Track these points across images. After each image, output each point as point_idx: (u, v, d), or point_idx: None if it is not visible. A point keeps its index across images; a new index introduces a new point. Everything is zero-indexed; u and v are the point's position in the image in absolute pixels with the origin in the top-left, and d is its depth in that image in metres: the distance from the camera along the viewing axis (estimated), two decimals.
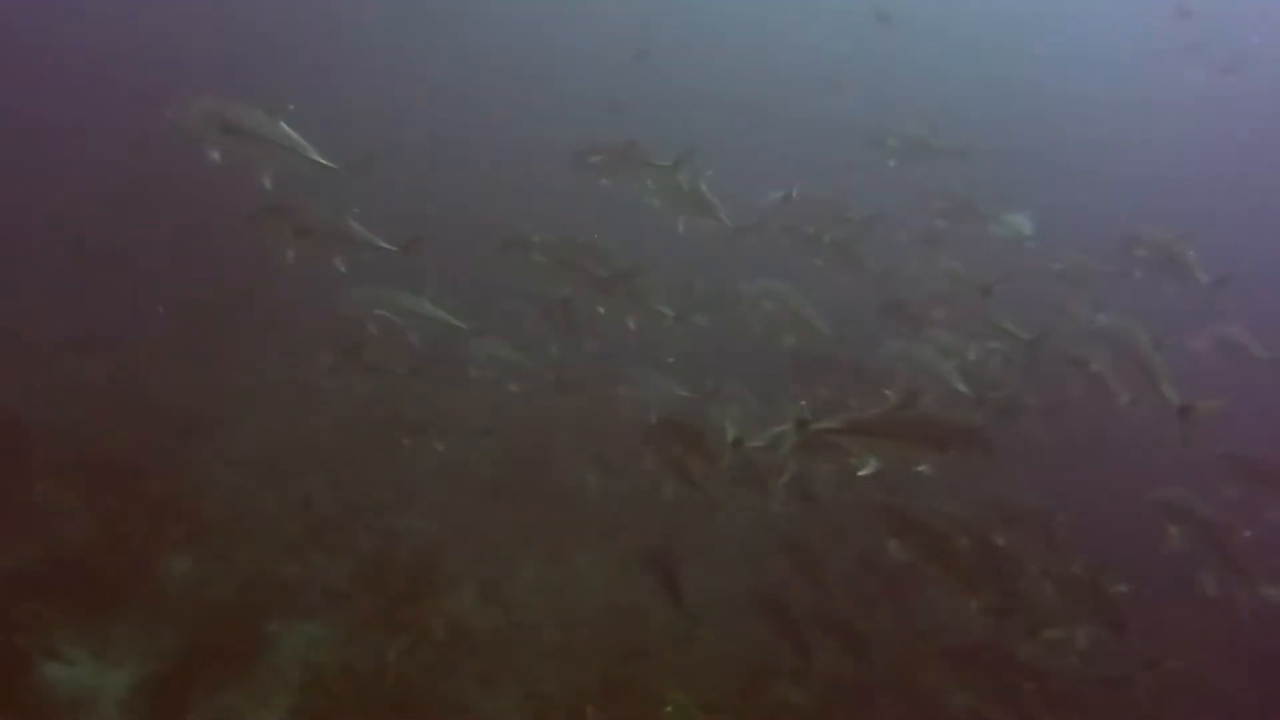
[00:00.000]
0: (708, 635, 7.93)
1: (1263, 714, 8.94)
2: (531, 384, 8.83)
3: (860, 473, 5.66)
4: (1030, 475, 8.98)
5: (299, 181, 7.14)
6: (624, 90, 15.97)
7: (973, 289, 8.74)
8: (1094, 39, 26.41)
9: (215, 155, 6.77)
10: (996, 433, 6.76)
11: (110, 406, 9.63)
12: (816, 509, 7.51)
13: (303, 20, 20.80)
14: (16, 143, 13.76)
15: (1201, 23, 19.26)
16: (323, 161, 7.03)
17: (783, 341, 8.23)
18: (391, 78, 19.32)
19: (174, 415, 9.83)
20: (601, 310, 8.21)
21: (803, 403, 5.67)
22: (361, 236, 7.58)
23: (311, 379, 10.72)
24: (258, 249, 11.92)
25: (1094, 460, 10.72)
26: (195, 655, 6.79)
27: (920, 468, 5.80)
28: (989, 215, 10.03)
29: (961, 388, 7.60)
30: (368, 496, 9.30)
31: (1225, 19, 21.34)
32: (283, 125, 6.93)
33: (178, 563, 7.79)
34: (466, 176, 16.05)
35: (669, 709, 6.90)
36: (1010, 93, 22.96)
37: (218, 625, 7.16)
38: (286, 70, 17.89)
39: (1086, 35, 26.58)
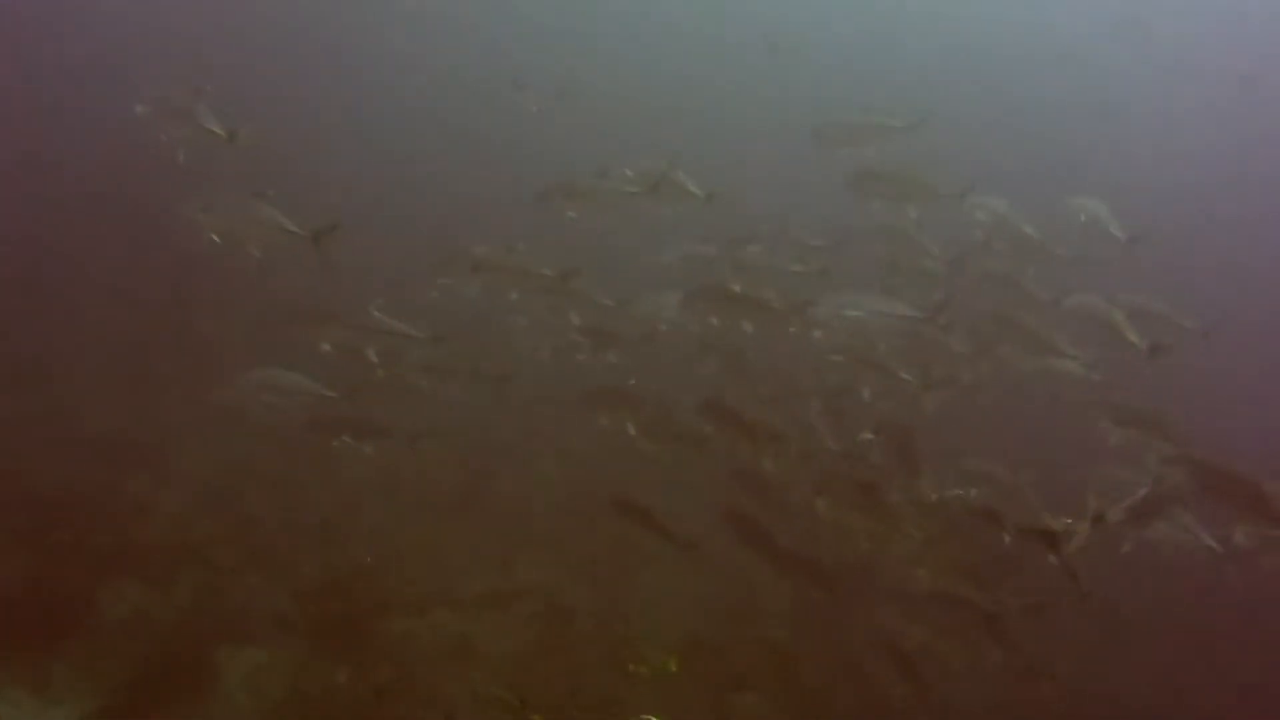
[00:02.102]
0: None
1: None
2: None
3: None
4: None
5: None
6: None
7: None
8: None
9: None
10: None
11: (40, 439, 9.41)
12: None
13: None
14: None
15: None
16: (291, 229, 7.09)
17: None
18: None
19: (105, 444, 9.64)
20: None
21: None
22: (272, 219, 7.48)
23: (242, 398, 10.58)
24: (179, 270, 11.93)
25: None
26: (140, 688, 6.78)
27: None
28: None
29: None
30: (308, 515, 9.25)
31: None
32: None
33: (118, 594, 7.70)
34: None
35: None
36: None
37: (161, 656, 7.14)
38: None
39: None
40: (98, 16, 17.48)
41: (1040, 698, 7.89)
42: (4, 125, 14.26)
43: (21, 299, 11.87)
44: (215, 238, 7.42)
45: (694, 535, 7.83)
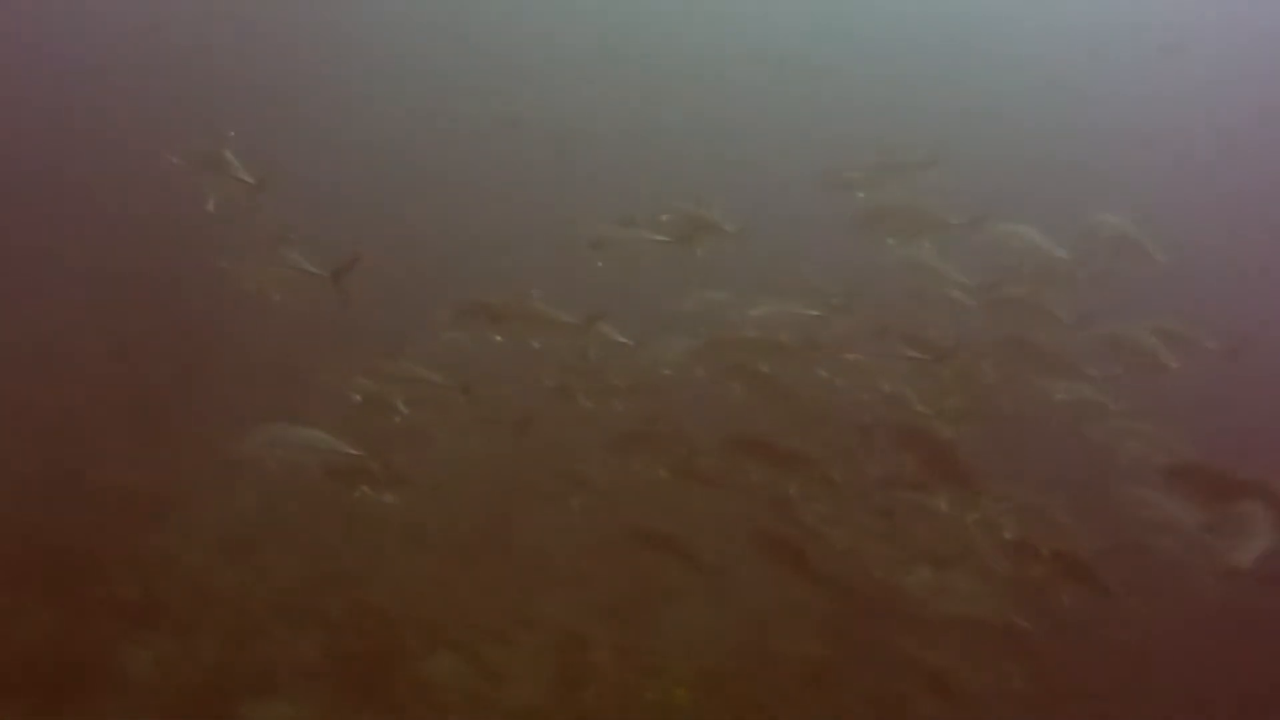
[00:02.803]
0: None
1: None
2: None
3: None
4: None
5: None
6: None
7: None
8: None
9: None
10: None
11: (60, 497, 9.43)
12: None
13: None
14: None
15: None
16: (311, 270, 7.18)
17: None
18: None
19: (126, 499, 9.63)
20: None
21: None
22: (293, 262, 7.57)
23: (261, 450, 10.59)
24: (200, 322, 12.05)
25: None
26: None
27: None
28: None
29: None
30: (330, 565, 9.24)
31: None
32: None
33: (141, 651, 7.65)
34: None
35: None
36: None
37: (186, 711, 7.08)
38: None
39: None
40: (123, 66, 17.71)
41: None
42: (21, 189, 14.50)
43: (42, 354, 12.00)
44: (240, 280, 7.51)
45: (720, 563, 7.80)
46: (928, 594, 8.47)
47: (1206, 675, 9.18)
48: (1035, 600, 8.13)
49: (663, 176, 14.07)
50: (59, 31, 18.16)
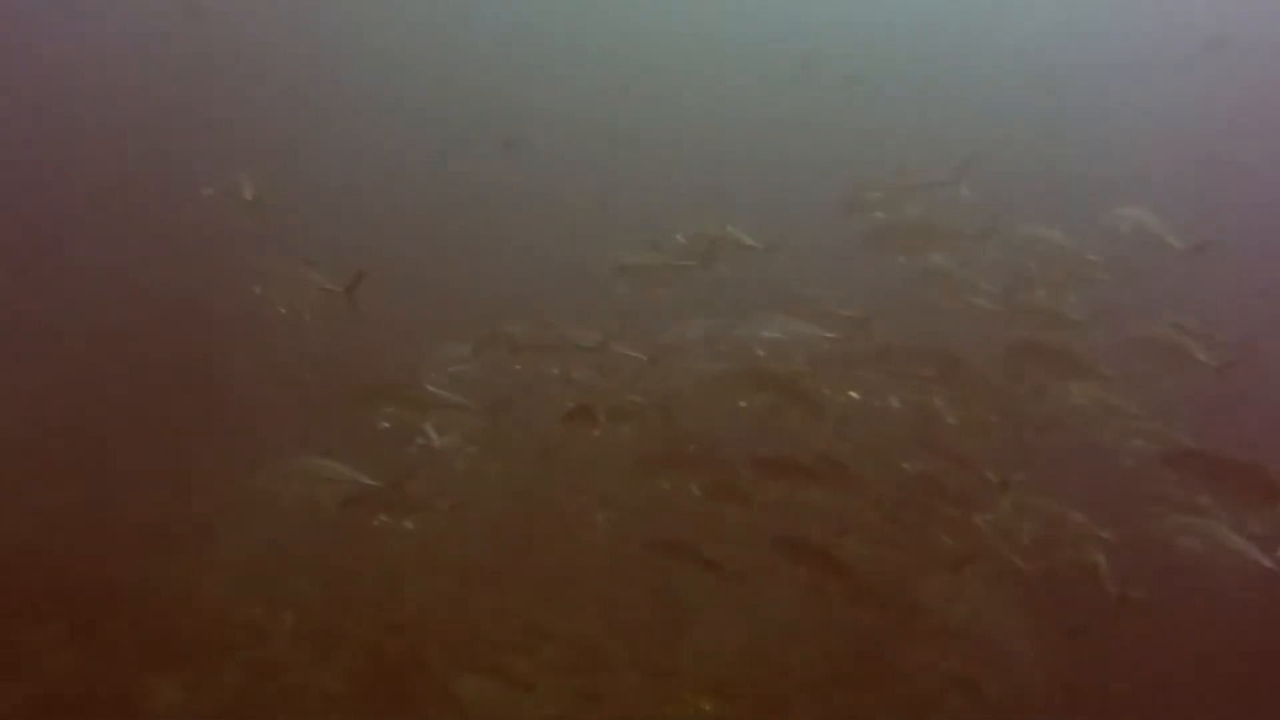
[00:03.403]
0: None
1: None
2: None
3: None
4: None
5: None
6: None
7: None
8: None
9: None
10: None
11: (84, 530, 9.46)
12: None
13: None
14: None
15: None
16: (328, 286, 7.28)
17: None
18: None
19: (149, 532, 9.68)
20: None
21: None
22: (309, 279, 7.70)
23: (278, 482, 10.63)
24: (218, 354, 12.10)
25: None
26: None
27: None
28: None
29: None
30: (351, 592, 9.25)
31: None
32: None
33: (168, 683, 7.68)
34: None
35: None
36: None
37: None
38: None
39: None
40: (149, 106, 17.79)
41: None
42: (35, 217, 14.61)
43: (60, 388, 12.05)
44: (258, 290, 7.62)
45: (742, 577, 7.81)
46: (949, 602, 8.57)
47: (1230, 677, 9.14)
48: (1057, 604, 8.21)
49: (683, 198, 14.07)
50: (73, 56, 18.31)
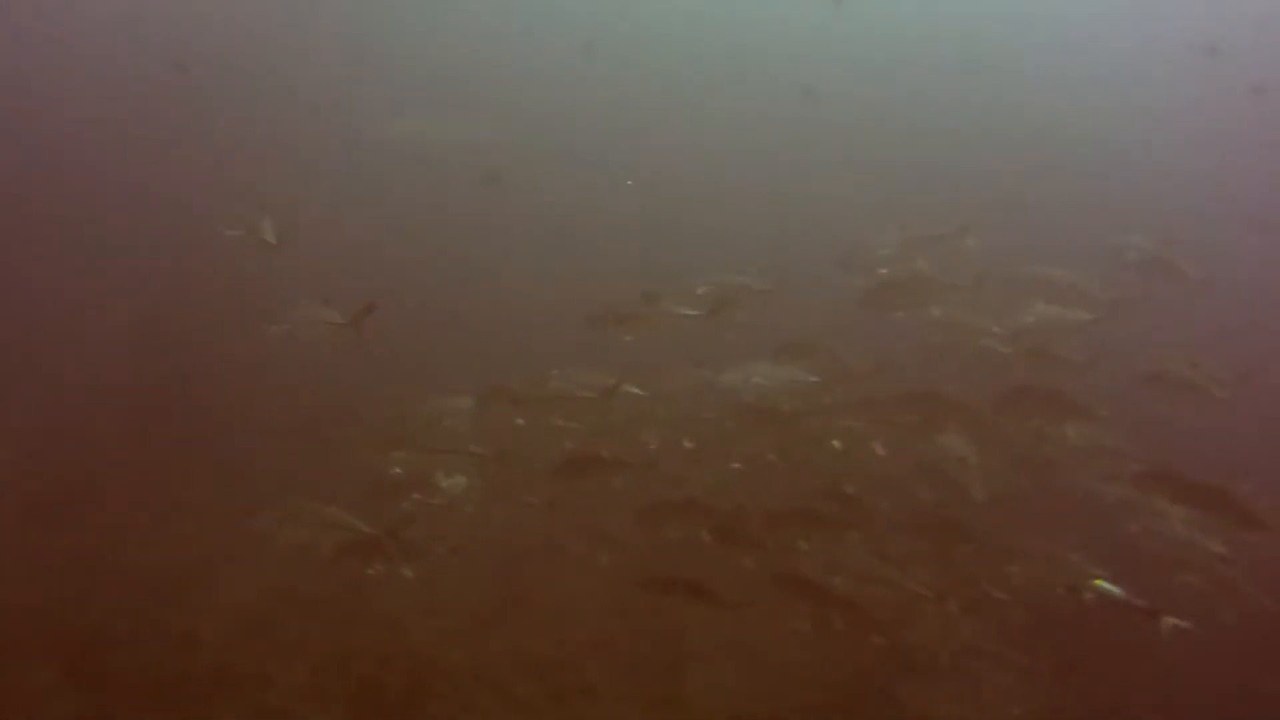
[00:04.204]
0: None
1: None
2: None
3: None
4: None
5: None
6: None
7: None
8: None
9: None
10: None
11: (81, 577, 9.45)
12: None
13: None
14: None
15: None
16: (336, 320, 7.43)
17: None
18: None
19: (147, 576, 9.66)
20: None
21: None
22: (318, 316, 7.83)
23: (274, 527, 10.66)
24: (210, 396, 12.13)
25: None
26: None
27: None
28: None
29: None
30: (354, 636, 9.24)
31: None
32: None
33: None
34: None
35: None
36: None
37: None
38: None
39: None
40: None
41: None
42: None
43: (55, 435, 12.05)
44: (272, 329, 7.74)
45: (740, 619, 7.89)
46: (943, 641, 8.75)
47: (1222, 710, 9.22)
48: (1048, 642, 8.35)
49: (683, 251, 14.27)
50: (82, 90, 18.52)
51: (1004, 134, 20.10)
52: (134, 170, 16.91)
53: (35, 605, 8.79)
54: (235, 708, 8.08)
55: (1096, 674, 8.82)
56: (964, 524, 7.91)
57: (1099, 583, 7.20)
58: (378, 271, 14.66)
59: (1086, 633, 7.79)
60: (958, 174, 17.65)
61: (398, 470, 8.20)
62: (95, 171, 16.74)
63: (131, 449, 11.57)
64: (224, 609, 9.43)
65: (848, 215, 12.76)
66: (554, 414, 8.20)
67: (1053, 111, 21.02)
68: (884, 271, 8.96)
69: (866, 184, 16.92)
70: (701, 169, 19.34)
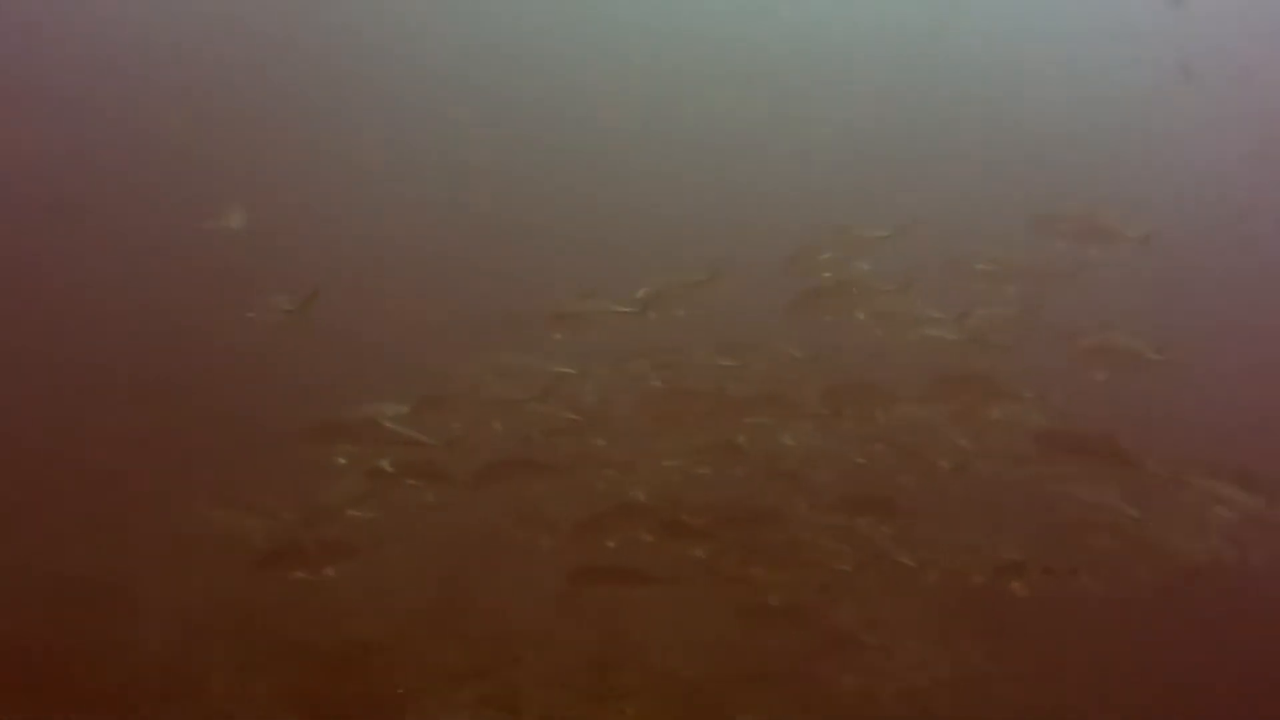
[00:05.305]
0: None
1: None
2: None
3: None
4: None
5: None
6: None
7: None
8: None
9: None
10: None
11: (14, 591, 9.23)
12: None
13: None
14: None
15: None
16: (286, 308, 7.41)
17: None
18: None
19: (83, 587, 9.52)
20: None
21: None
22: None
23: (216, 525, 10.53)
24: (146, 400, 11.89)
25: None
26: None
27: None
28: None
29: None
30: (296, 635, 9.19)
31: None
32: None
33: None
34: None
35: None
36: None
37: None
38: None
39: None
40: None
41: None
42: None
43: None
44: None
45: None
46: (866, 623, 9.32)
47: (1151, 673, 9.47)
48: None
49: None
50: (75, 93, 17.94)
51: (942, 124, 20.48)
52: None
53: None
54: (176, 714, 7.99)
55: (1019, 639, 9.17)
56: (890, 506, 8.20)
57: None
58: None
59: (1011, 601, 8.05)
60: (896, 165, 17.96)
61: (341, 461, 8.15)
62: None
63: (54, 459, 11.31)
64: (161, 615, 9.32)
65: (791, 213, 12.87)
66: (490, 413, 8.22)
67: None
68: (827, 275, 8.82)
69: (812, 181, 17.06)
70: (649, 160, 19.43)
